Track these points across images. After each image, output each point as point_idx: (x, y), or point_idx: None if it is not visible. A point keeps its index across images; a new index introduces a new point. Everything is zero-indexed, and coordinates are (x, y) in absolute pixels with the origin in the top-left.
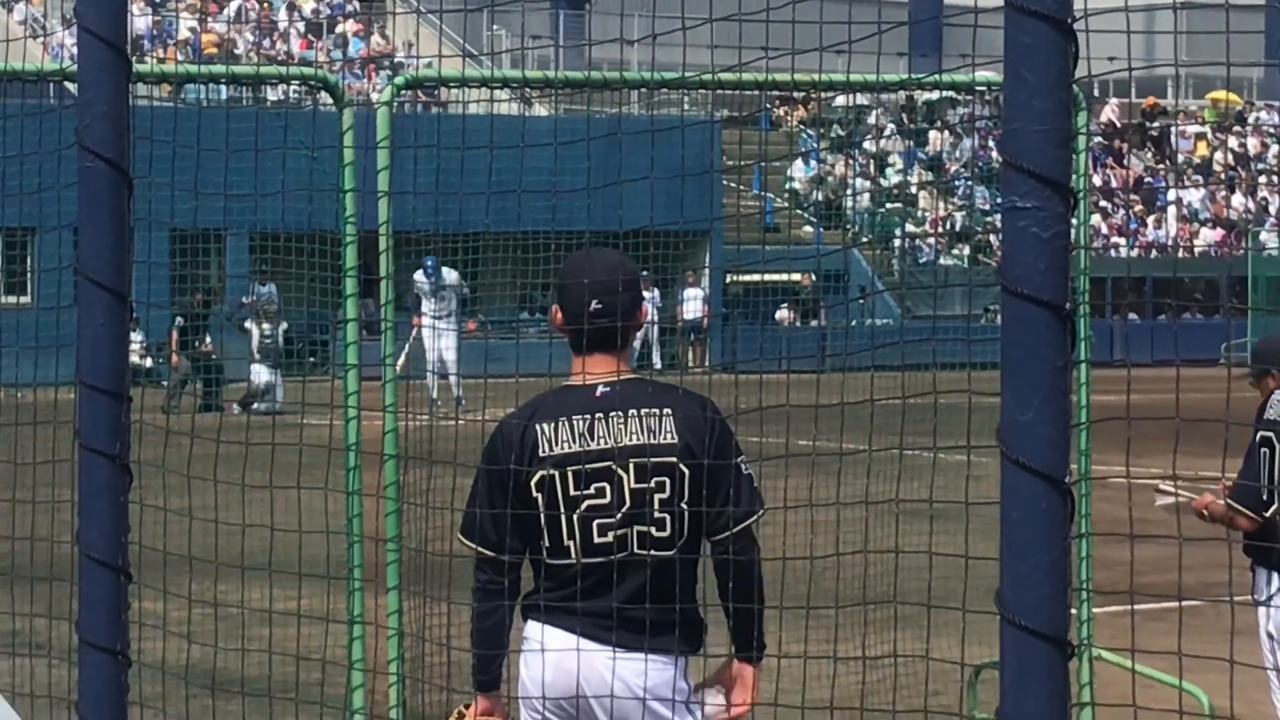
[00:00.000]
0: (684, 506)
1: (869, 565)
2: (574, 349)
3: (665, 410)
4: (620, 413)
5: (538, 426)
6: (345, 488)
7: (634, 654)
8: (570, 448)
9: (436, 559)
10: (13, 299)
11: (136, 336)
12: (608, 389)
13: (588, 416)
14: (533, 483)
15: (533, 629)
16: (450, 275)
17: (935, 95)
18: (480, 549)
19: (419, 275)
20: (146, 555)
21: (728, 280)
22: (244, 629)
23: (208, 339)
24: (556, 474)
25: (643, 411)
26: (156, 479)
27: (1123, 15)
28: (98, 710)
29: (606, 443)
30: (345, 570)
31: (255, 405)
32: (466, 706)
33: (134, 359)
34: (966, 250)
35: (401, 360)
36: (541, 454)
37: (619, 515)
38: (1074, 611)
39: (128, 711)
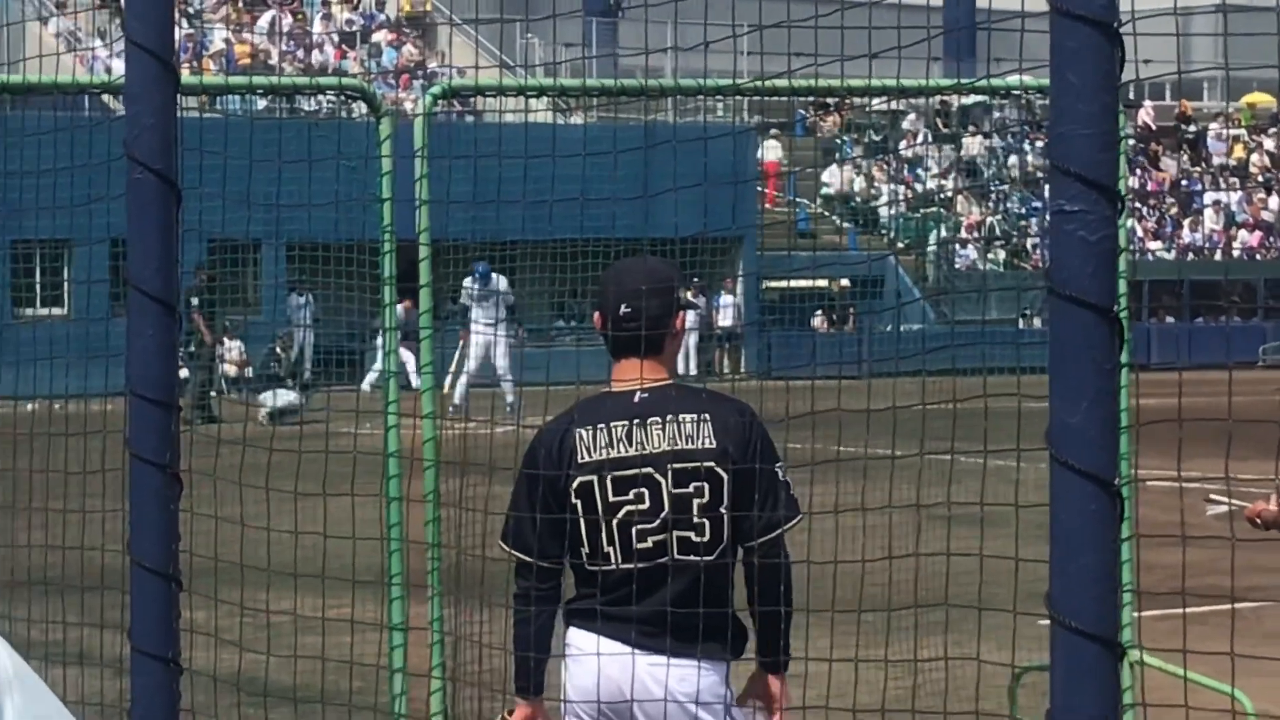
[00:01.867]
0: (723, 511)
1: (909, 571)
2: (611, 354)
3: (703, 415)
4: (659, 418)
5: (576, 432)
6: (384, 495)
7: (675, 659)
8: (609, 453)
9: (477, 565)
10: (51, 310)
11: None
12: (646, 394)
13: (626, 422)
14: (572, 489)
15: (574, 635)
16: (500, 282)
17: (970, 100)
18: (520, 555)
19: (468, 281)
20: (192, 564)
21: (763, 286)
22: (295, 636)
23: (236, 346)
24: (595, 480)
25: (681, 416)
26: (199, 488)
27: (1158, 19)
28: (150, 717)
29: (645, 448)
30: (386, 578)
31: (280, 420)
32: (510, 713)
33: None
34: (1002, 254)
35: (449, 381)
36: (580, 460)
37: (658, 521)
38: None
39: (180, 718)
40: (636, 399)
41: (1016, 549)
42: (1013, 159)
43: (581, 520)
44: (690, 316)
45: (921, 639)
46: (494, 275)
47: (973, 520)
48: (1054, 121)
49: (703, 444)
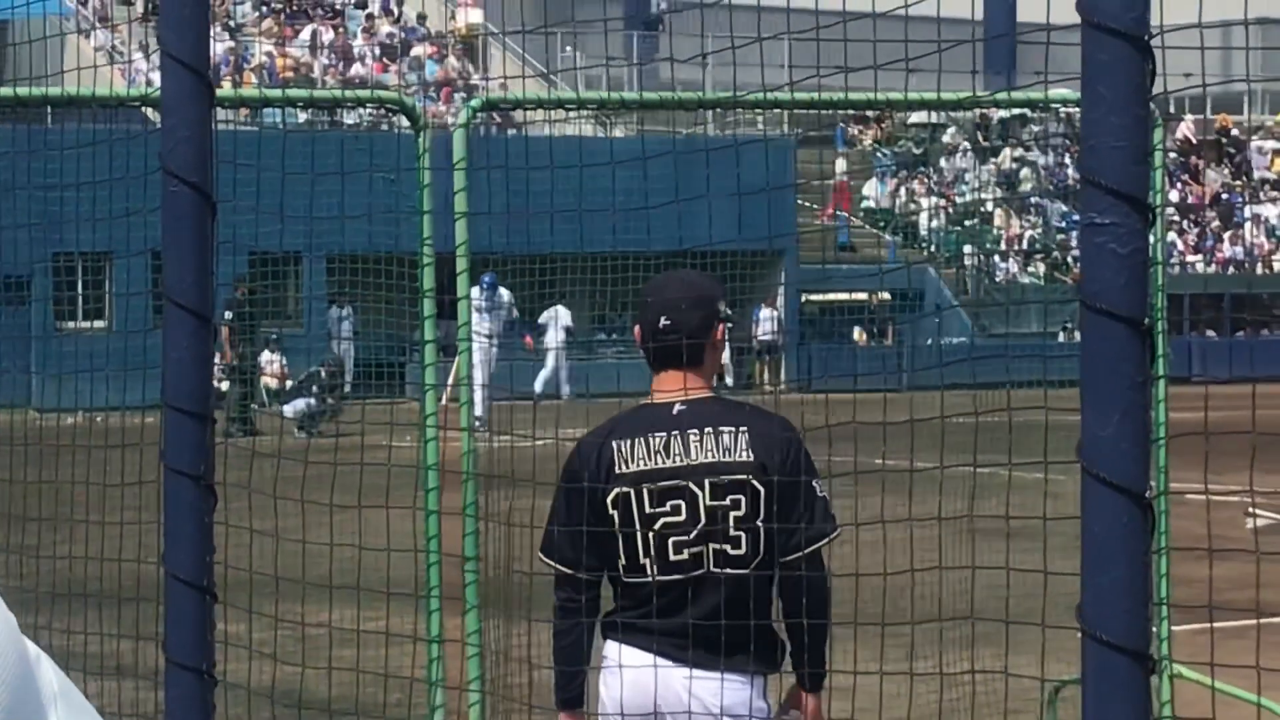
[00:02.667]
0: (759, 524)
1: (945, 584)
2: (651, 367)
3: (741, 428)
4: (696, 430)
5: (614, 444)
6: (425, 508)
7: (711, 673)
8: (646, 465)
9: (515, 578)
10: (92, 324)
11: (216, 358)
12: (684, 407)
13: (663, 434)
14: (609, 500)
15: (611, 648)
16: (504, 294)
17: (1009, 113)
18: (559, 567)
19: (474, 292)
20: (230, 576)
21: (803, 300)
22: (330, 649)
23: (276, 359)
24: (632, 491)
25: (718, 429)
26: (234, 501)
27: (1199, 32)
28: None
29: (682, 460)
30: (424, 591)
31: (312, 430)
32: None
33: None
34: (1042, 268)
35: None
36: (618, 471)
37: (694, 533)
38: (1154, 629)
39: None
40: (675, 411)
41: (1045, 561)
42: (1041, 167)
43: (619, 532)
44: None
45: (961, 652)
46: (500, 289)
47: (1017, 533)
48: (1085, 134)
49: (740, 457)
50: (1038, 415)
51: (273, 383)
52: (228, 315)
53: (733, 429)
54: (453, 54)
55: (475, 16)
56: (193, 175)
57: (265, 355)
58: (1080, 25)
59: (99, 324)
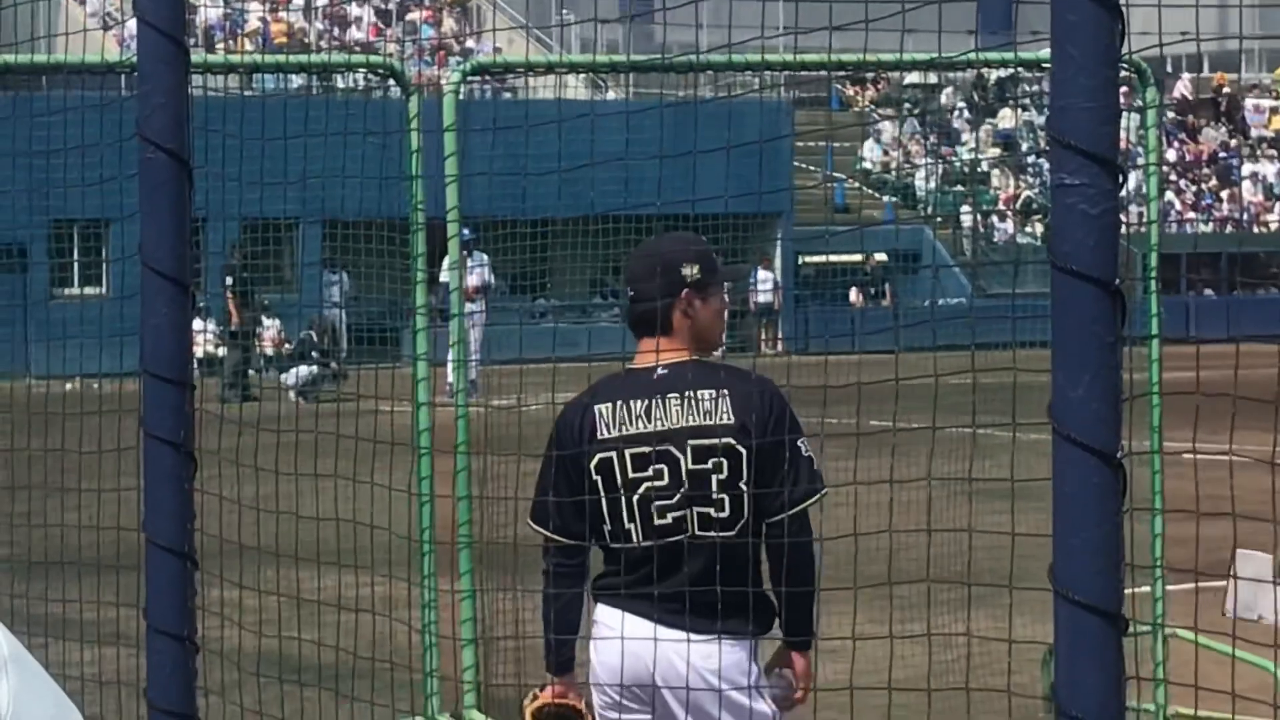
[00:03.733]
0: (743, 487)
1: (940, 546)
2: (633, 333)
3: (722, 391)
4: (677, 394)
5: (596, 409)
6: (415, 473)
7: (701, 636)
8: (628, 429)
9: (507, 543)
10: (91, 290)
11: (211, 325)
12: (666, 370)
13: (645, 399)
14: (592, 465)
15: (601, 612)
16: (483, 258)
17: (1006, 73)
18: (547, 533)
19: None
20: (221, 544)
21: (799, 262)
22: (318, 616)
23: (274, 325)
24: (614, 456)
25: (700, 393)
26: (226, 468)
27: None
28: (166, 696)
29: (663, 424)
30: (417, 556)
31: (311, 395)
32: (541, 689)
33: (208, 348)
34: (1040, 228)
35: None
36: (601, 436)
37: (678, 496)
38: (1147, 589)
39: (196, 696)
40: (656, 375)
41: (1013, 522)
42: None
43: (603, 497)
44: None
45: (958, 614)
46: (478, 253)
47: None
48: (1055, 95)
49: (721, 419)
50: (1032, 376)
51: (269, 349)
52: (228, 281)
53: (713, 391)
54: (448, 15)
55: None
56: (169, 141)
57: (266, 322)
58: None
59: (95, 291)
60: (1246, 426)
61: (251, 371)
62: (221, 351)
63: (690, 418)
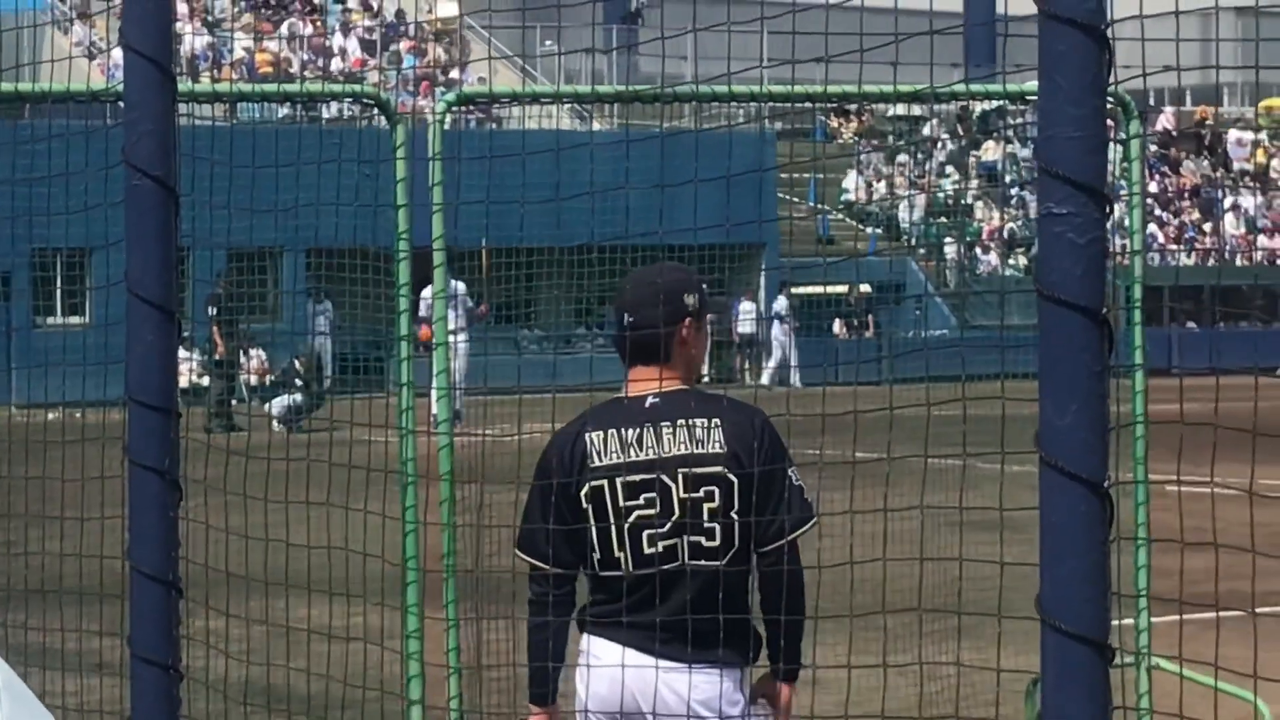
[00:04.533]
0: (734, 516)
1: (927, 577)
2: (623, 362)
3: (714, 420)
4: (669, 423)
5: (588, 437)
6: (401, 503)
7: (687, 665)
8: (619, 458)
9: (493, 573)
10: (74, 319)
11: (195, 355)
12: (656, 400)
13: (636, 427)
14: (583, 494)
15: (586, 641)
16: (459, 286)
17: (991, 105)
18: (534, 561)
19: (426, 291)
20: (201, 574)
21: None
22: (308, 645)
23: (257, 355)
24: (606, 484)
25: (691, 421)
26: (212, 497)
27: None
28: None
29: (655, 453)
30: (400, 587)
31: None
32: None
33: (192, 378)
34: (1023, 260)
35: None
36: (591, 465)
37: (668, 525)
38: (1130, 621)
39: None
40: (648, 404)
41: (1001, 552)
42: (1023, 159)
43: (593, 525)
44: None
45: (942, 645)
46: (453, 280)
47: (992, 525)
48: (1042, 124)
49: (713, 449)
50: (1018, 408)
51: (253, 379)
52: (212, 311)
53: (705, 421)
54: (433, 47)
55: (451, 9)
56: (155, 169)
57: (251, 352)
58: (1038, 15)
59: (78, 320)
60: (1230, 459)
61: (235, 401)
62: (205, 381)
63: (682, 446)
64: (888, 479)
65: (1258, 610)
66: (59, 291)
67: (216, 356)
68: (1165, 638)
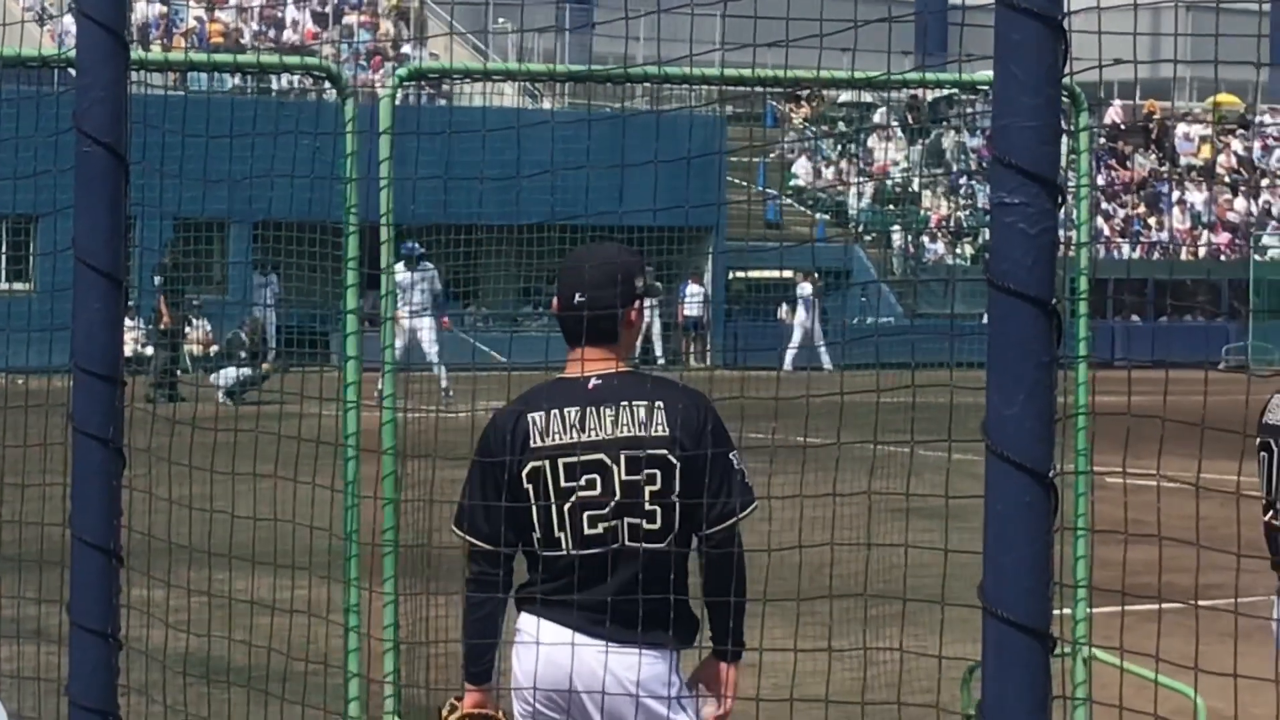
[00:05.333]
0: (675, 499)
1: (864, 562)
2: (566, 341)
3: (658, 403)
4: (612, 405)
5: (530, 417)
6: (343, 478)
7: (626, 647)
8: (561, 439)
9: (434, 550)
10: (15, 285)
11: (139, 324)
12: (600, 381)
13: (580, 408)
14: (524, 473)
15: (525, 621)
16: (429, 267)
17: (941, 94)
18: (472, 540)
19: (399, 267)
20: (146, 543)
21: (730, 277)
22: (251, 618)
23: (201, 325)
24: (547, 464)
25: (635, 404)
26: (155, 467)
27: (1128, 18)
28: (88, 692)
29: (598, 434)
30: (341, 561)
31: (240, 399)
32: (459, 699)
33: (136, 347)
34: (970, 250)
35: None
36: (533, 444)
37: (610, 507)
38: (1069, 611)
39: (119, 696)
40: (591, 385)
41: (947, 539)
42: (971, 148)
43: (533, 505)
44: (648, 303)
45: (880, 631)
46: (426, 261)
47: (937, 514)
48: (996, 114)
49: (656, 431)
50: (963, 396)
51: (197, 349)
52: (157, 280)
53: (647, 403)
54: (387, 20)
55: None
56: (106, 136)
57: (195, 322)
58: (994, 5)
59: (22, 286)
60: (1172, 452)
61: (180, 372)
62: (149, 350)
63: (625, 428)
64: (837, 464)
65: (1199, 603)
66: (3, 258)
67: (162, 326)
68: (1103, 629)
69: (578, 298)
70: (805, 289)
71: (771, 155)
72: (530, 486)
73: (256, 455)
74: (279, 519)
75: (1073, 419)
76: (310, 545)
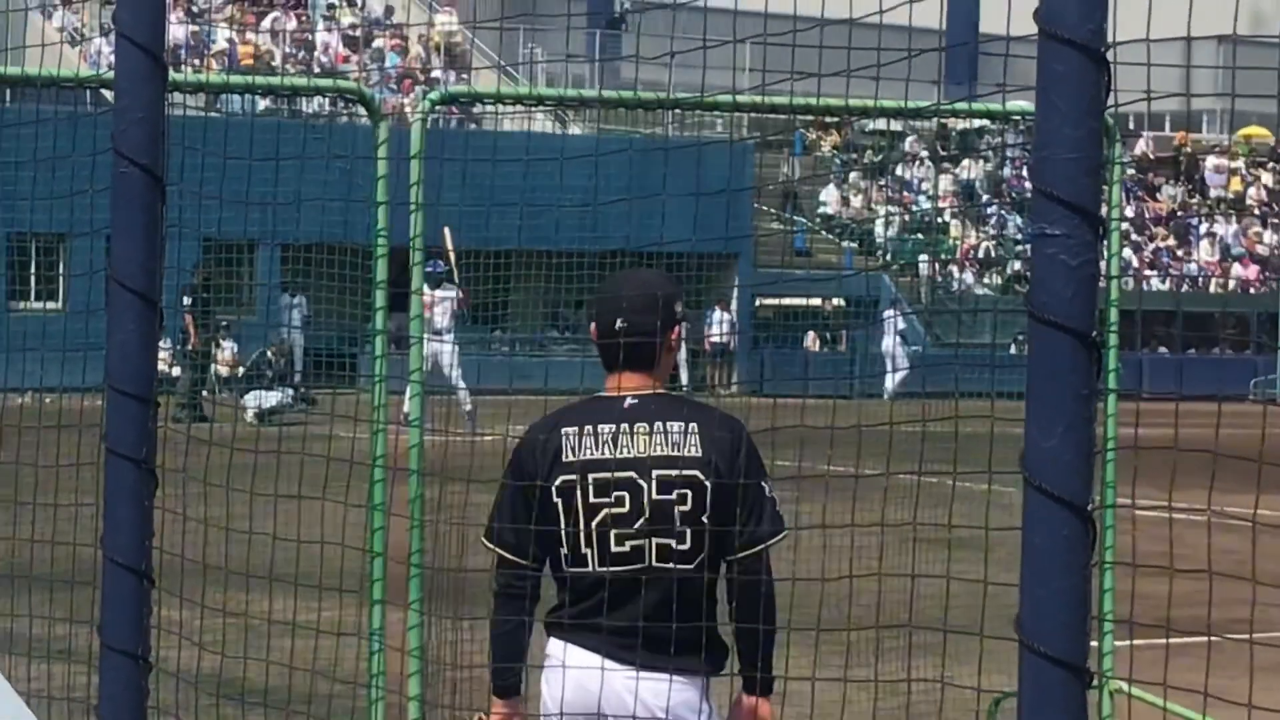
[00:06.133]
0: (705, 521)
1: (891, 592)
2: (605, 366)
3: (691, 425)
4: (646, 424)
5: (563, 432)
6: (368, 501)
7: (656, 672)
8: (593, 455)
9: (458, 573)
10: (45, 305)
11: (166, 343)
12: (636, 401)
13: (613, 426)
14: (554, 488)
15: (553, 646)
16: (450, 286)
17: (969, 124)
18: (501, 552)
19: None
20: (172, 563)
21: (756, 304)
22: (284, 638)
23: (229, 346)
24: (577, 480)
25: (669, 425)
26: (180, 487)
27: (1159, 48)
28: (118, 714)
29: (630, 452)
30: (367, 584)
31: (268, 420)
32: (486, 714)
33: (162, 366)
34: (998, 280)
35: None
36: (564, 459)
37: (637, 526)
38: (1094, 644)
39: (148, 716)
40: (626, 404)
41: (986, 572)
42: (1000, 178)
43: (561, 520)
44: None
45: (899, 661)
46: (450, 284)
47: (964, 544)
48: (1038, 145)
49: (689, 452)
50: (987, 426)
51: (224, 370)
52: (187, 301)
53: (682, 424)
54: (436, 57)
55: (450, 20)
56: (143, 157)
57: (224, 343)
58: (1038, 35)
59: (53, 305)
60: (1192, 485)
61: (205, 392)
62: (176, 371)
63: (658, 448)
64: (854, 495)
65: (1233, 637)
66: (33, 276)
67: (189, 347)
68: (1127, 661)
69: (618, 324)
70: (890, 314)
71: (801, 185)
72: (560, 501)
73: (281, 476)
74: (305, 540)
75: (1099, 451)
76: (341, 568)
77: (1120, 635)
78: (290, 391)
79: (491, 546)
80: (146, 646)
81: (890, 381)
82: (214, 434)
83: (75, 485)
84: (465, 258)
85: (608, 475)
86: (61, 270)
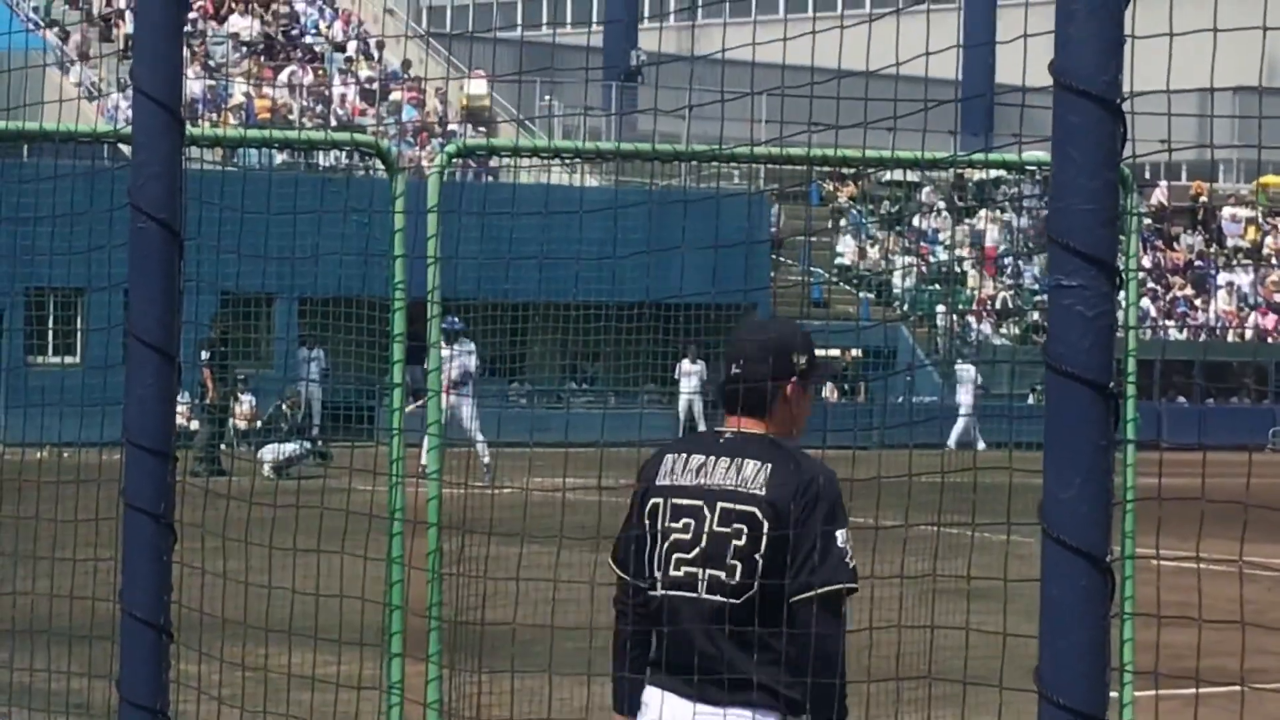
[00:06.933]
0: (757, 559)
1: (911, 644)
2: (724, 408)
3: (767, 465)
4: (728, 459)
5: (666, 456)
6: (387, 554)
7: (713, 707)
8: (678, 481)
9: (477, 626)
10: (62, 359)
11: (183, 398)
12: (732, 437)
13: (703, 457)
14: (646, 509)
15: (646, 693)
16: (468, 345)
17: (985, 174)
18: (611, 564)
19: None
20: (190, 617)
21: None
22: (287, 693)
23: (247, 400)
24: (661, 503)
25: (746, 461)
26: (198, 541)
27: (1176, 98)
28: None
29: (705, 481)
30: (385, 637)
31: (285, 474)
32: None
33: (180, 420)
34: (1016, 330)
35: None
36: (658, 483)
37: (693, 553)
38: (1114, 694)
39: None
40: (724, 438)
41: (1005, 623)
42: (1017, 228)
43: (646, 540)
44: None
45: (919, 713)
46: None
47: (982, 595)
48: (1055, 196)
49: (754, 490)
50: (1005, 476)
51: (242, 424)
52: (205, 355)
53: (759, 463)
54: (471, 127)
55: (479, 87)
56: (161, 211)
57: (242, 397)
58: (1053, 87)
59: (70, 359)
60: (1208, 534)
61: (223, 446)
62: (194, 425)
63: (728, 481)
64: (874, 546)
65: (1261, 686)
66: (51, 331)
67: (208, 400)
68: (1147, 712)
69: (734, 369)
70: (969, 370)
71: (818, 238)
72: (648, 522)
73: (295, 530)
74: (324, 594)
75: (1117, 501)
76: (361, 621)
77: (1140, 685)
78: (307, 445)
79: (611, 565)
80: (165, 701)
81: (954, 435)
82: (232, 488)
83: (93, 539)
84: (484, 309)
85: (683, 501)
86: (79, 325)
